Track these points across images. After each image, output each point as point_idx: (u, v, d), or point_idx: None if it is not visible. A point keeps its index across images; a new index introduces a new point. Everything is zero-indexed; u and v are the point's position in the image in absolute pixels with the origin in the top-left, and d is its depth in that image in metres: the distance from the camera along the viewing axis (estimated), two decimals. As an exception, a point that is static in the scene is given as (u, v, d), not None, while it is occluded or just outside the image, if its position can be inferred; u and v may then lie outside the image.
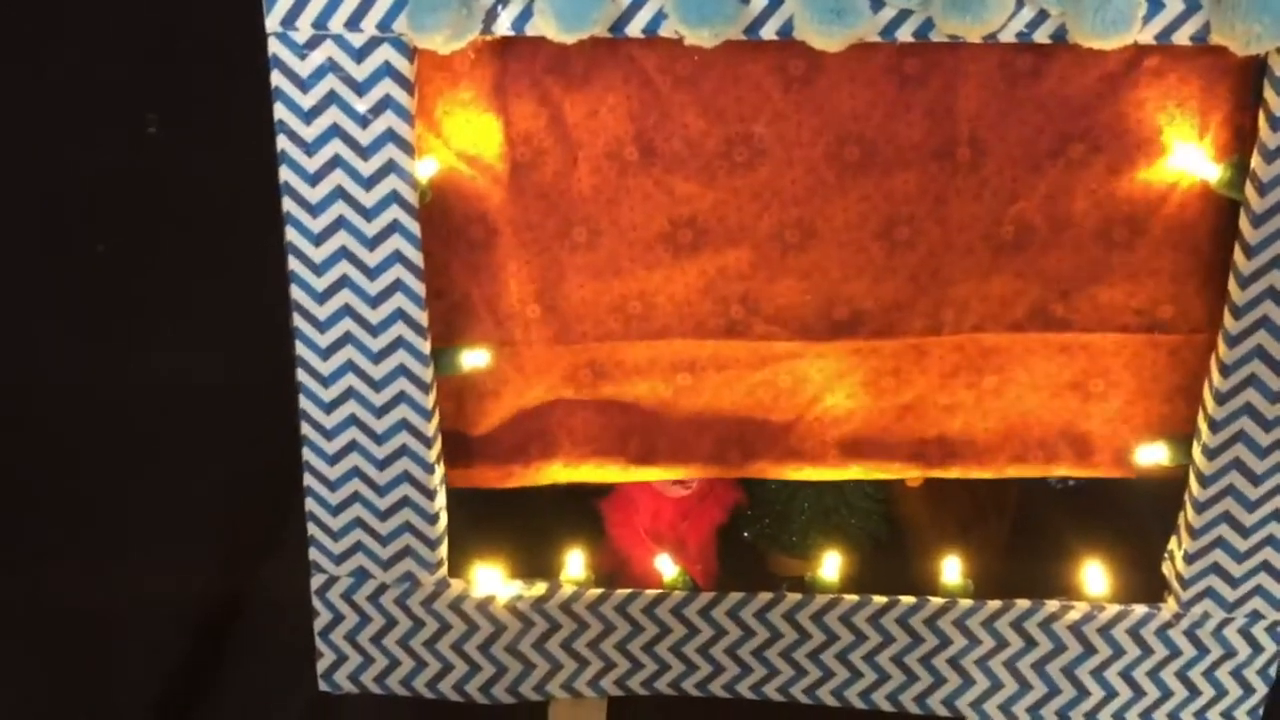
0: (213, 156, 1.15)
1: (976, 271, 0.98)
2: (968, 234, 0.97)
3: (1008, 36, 0.86)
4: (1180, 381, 1.00)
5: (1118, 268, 0.98)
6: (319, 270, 0.95)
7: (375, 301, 0.96)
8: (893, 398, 1.03)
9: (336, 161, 0.92)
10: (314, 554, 1.04)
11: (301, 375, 0.99)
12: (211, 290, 1.21)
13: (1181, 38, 0.86)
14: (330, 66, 0.90)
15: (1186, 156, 0.94)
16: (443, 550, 1.04)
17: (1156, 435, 1.02)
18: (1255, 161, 0.91)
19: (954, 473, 1.05)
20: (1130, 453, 1.03)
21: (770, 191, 0.96)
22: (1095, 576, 1.07)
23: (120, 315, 1.22)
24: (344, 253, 0.95)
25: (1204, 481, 0.99)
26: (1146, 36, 0.86)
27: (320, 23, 0.89)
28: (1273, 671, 1.04)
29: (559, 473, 1.06)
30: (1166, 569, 1.04)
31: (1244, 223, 0.92)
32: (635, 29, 0.87)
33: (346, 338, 0.97)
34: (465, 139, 0.96)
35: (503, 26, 0.88)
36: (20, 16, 1.14)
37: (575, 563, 1.09)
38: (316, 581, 1.04)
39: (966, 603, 1.05)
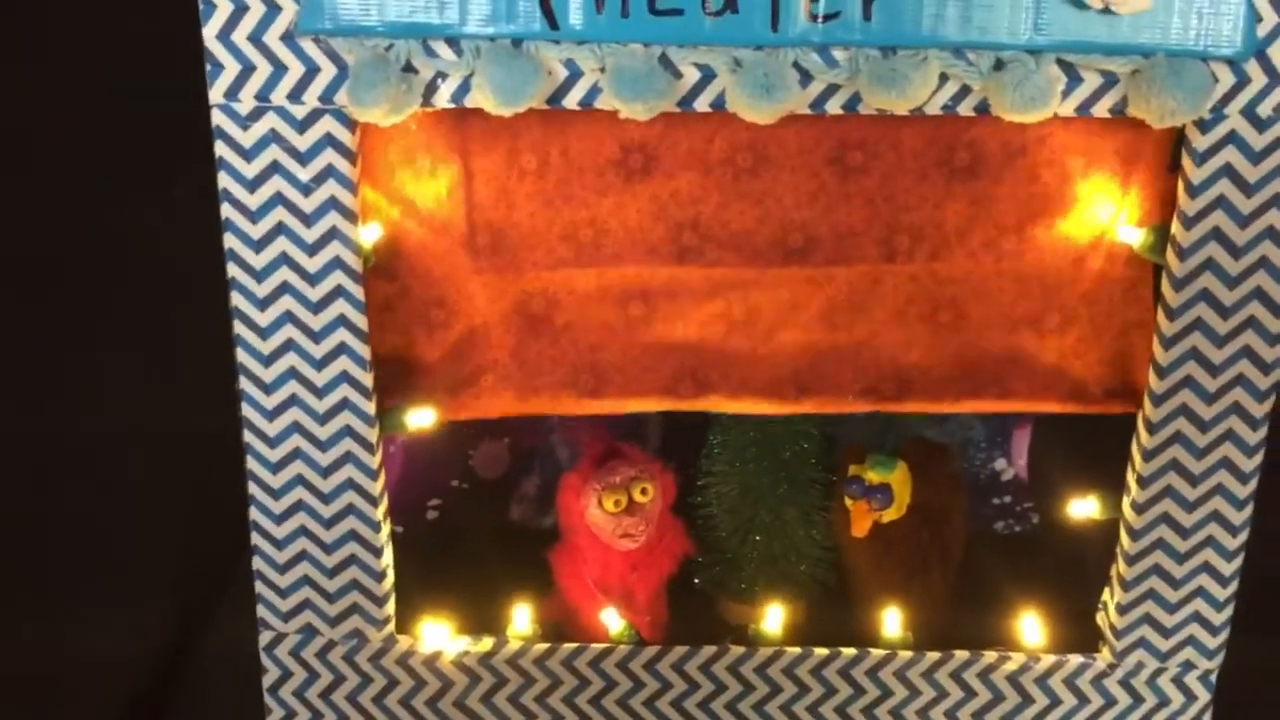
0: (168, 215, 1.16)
1: (930, 198, 0.98)
2: (921, 160, 0.97)
3: (933, 109, 0.89)
4: (1135, 317, 1.01)
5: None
6: (264, 334, 0.97)
7: (320, 364, 0.98)
8: (847, 332, 1.02)
9: (280, 229, 0.94)
10: (261, 611, 1.05)
11: (248, 436, 1.00)
12: (160, 342, 1.21)
13: (1100, 110, 0.89)
14: (273, 137, 0.91)
15: (1109, 221, 0.97)
16: (390, 607, 1.05)
17: (1108, 370, 1.02)
18: (1175, 228, 0.93)
19: (908, 408, 1.05)
20: (1085, 388, 1.03)
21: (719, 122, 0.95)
22: (1032, 627, 1.10)
23: (61, 370, 1.22)
24: (289, 317, 0.96)
25: (1134, 535, 1.01)
26: (1066, 110, 0.89)
27: (263, 95, 0.90)
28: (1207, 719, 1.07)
29: (510, 405, 1.05)
30: (1100, 619, 1.07)
31: (1166, 287, 0.95)
32: (571, 102, 0.89)
33: (292, 400, 0.99)
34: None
35: (442, 99, 0.90)
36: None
37: (521, 617, 1.10)
38: (264, 638, 1.05)
39: (906, 654, 1.07)
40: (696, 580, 1.22)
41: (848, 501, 1.12)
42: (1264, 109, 0.89)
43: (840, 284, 1.01)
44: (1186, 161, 0.91)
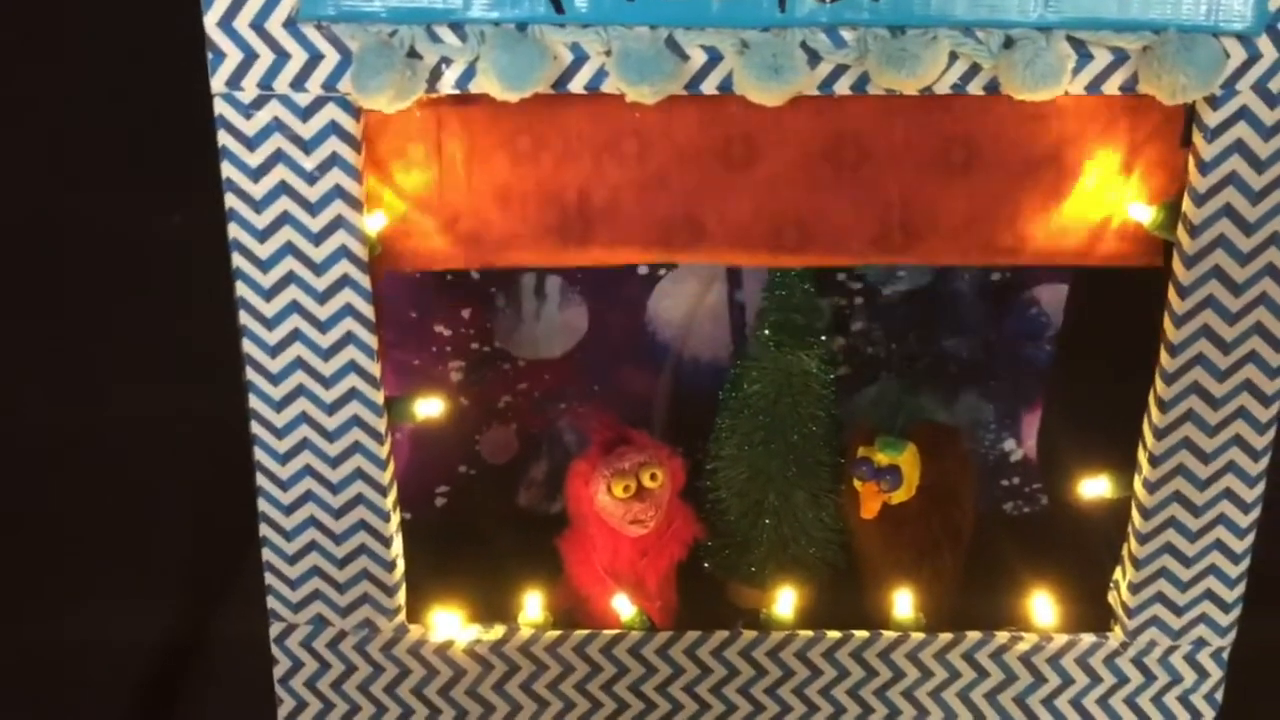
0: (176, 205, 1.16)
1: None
2: None
3: (942, 89, 0.88)
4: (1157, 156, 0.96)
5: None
6: (270, 324, 0.96)
7: (327, 354, 0.97)
8: (852, 172, 0.97)
9: (285, 218, 0.93)
10: (272, 602, 1.04)
11: (255, 428, 0.99)
12: (168, 332, 1.21)
13: (1111, 88, 0.88)
14: (276, 126, 0.91)
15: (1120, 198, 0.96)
16: (401, 596, 1.05)
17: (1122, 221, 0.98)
18: (1186, 204, 0.93)
19: (912, 259, 1.01)
20: (1110, 235, 0.98)
21: None
22: (1044, 607, 1.09)
23: (72, 361, 1.22)
24: (295, 307, 0.96)
25: (1145, 514, 1.01)
26: (1076, 87, 0.88)
27: (265, 83, 0.89)
28: (1219, 697, 1.07)
29: (491, 253, 1.00)
30: (1112, 598, 1.06)
31: (1176, 263, 0.94)
32: (577, 85, 0.88)
33: (299, 390, 0.98)
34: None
35: (446, 85, 0.89)
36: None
37: (533, 605, 1.10)
38: (275, 629, 1.05)
39: (919, 635, 1.06)
40: (706, 564, 1.22)
41: (857, 483, 1.12)
42: (1275, 84, 0.88)
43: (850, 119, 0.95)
44: (1197, 138, 0.91)
